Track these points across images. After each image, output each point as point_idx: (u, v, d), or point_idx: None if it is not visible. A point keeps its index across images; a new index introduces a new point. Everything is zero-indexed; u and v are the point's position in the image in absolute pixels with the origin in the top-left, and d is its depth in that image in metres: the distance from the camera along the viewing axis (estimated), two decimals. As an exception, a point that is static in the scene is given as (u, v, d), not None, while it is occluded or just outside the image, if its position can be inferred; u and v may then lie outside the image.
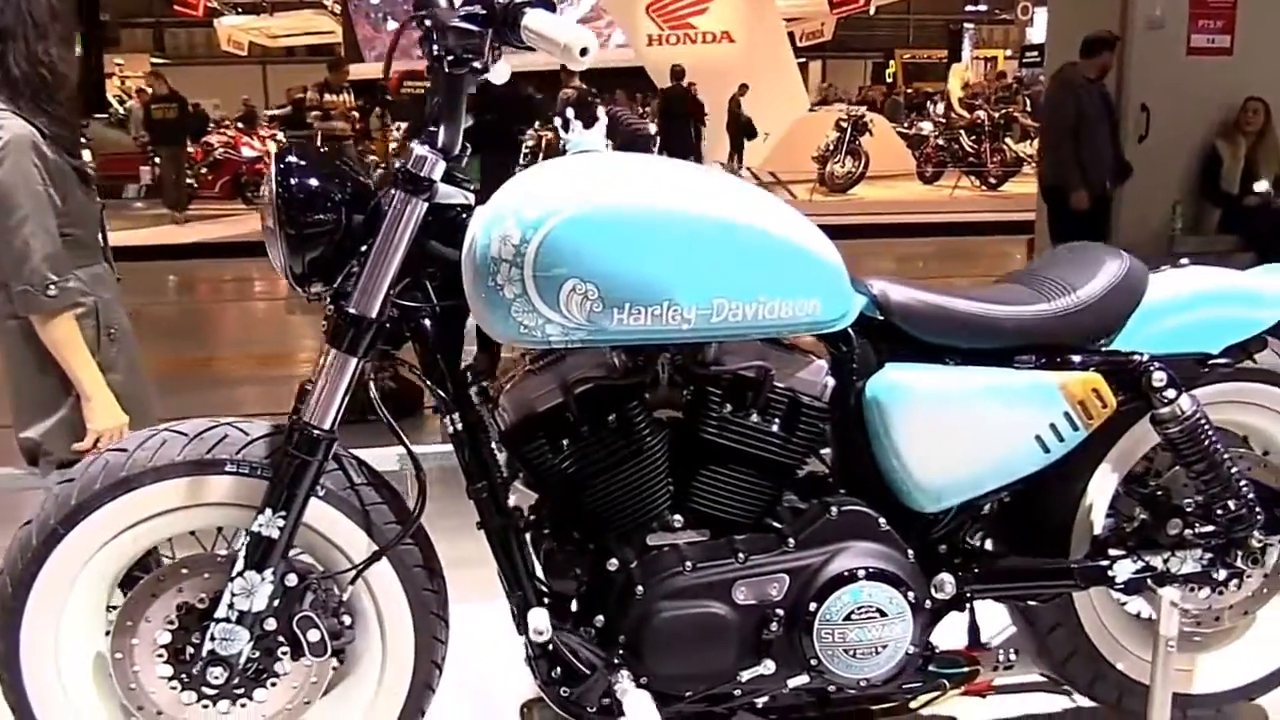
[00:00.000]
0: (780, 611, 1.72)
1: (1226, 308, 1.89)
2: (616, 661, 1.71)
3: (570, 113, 1.95)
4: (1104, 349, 1.83)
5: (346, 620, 1.74)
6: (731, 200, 1.68)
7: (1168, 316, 1.86)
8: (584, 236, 1.59)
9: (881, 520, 1.77)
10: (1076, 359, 1.80)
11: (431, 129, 1.64)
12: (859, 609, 1.71)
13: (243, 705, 1.74)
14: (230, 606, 1.65)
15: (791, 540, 1.75)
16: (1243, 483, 1.87)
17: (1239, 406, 1.95)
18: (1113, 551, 1.88)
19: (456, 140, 1.64)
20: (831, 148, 13.22)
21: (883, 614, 1.72)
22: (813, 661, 1.72)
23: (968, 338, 1.80)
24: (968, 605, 1.91)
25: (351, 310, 1.63)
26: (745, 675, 1.72)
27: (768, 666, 1.73)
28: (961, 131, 13.81)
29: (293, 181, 1.63)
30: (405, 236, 1.63)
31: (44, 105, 2.20)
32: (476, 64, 1.56)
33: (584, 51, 1.45)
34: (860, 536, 1.76)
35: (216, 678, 1.66)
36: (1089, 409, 1.78)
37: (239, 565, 1.65)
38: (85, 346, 2.22)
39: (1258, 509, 1.87)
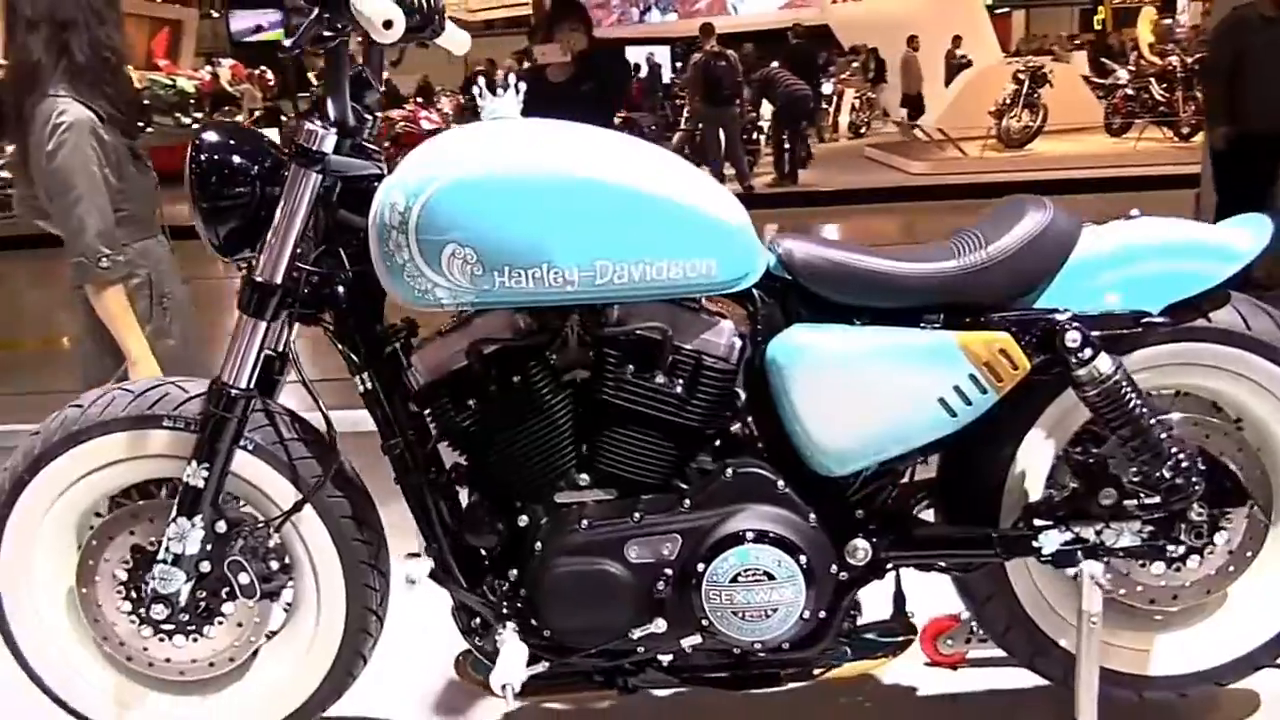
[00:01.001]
0: (669, 571, 1.74)
1: (1166, 261, 1.75)
2: (505, 613, 1.78)
3: (481, 81, 2.00)
4: (1024, 308, 1.74)
5: (274, 565, 1.88)
6: (617, 164, 1.70)
7: (1099, 273, 1.74)
8: (460, 202, 1.65)
9: (780, 483, 1.76)
10: (986, 319, 1.72)
11: (324, 104, 1.72)
12: (745, 571, 1.71)
13: (194, 640, 1.91)
14: (167, 550, 1.81)
15: (688, 501, 1.77)
16: (1179, 451, 1.74)
17: (1195, 369, 1.80)
18: (1039, 522, 1.79)
19: (345, 112, 1.72)
20: (1008, 101, 12.57)
21: (770, 577, 1.71)
22: (703, 622, 1.74)
23: (874, 297, 1.75)
24: (891, 573, 1.87)
25: (256, 278, 1.75)
26: (637, 633, 1.75)
27: (659, 625, 1.75)
28: (1151, 80, 12.84)
29: (204, 158, 1.76)
30: (301, 208, 1.73)
31: (103, 89, 2.43)
32: (342, 39, 1.63)
33: (388, 24, 1.51)
34: (756, 499, 1.75)
35: (159, 614, 1.83)
36: (996, 371, 1.70)
37: (173, 512, 1.81)
38: (133, 315, 2.45)
39: (1196, 480, 1.74)
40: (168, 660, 1.95)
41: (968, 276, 1.72)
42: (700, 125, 11.35)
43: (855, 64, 16.91)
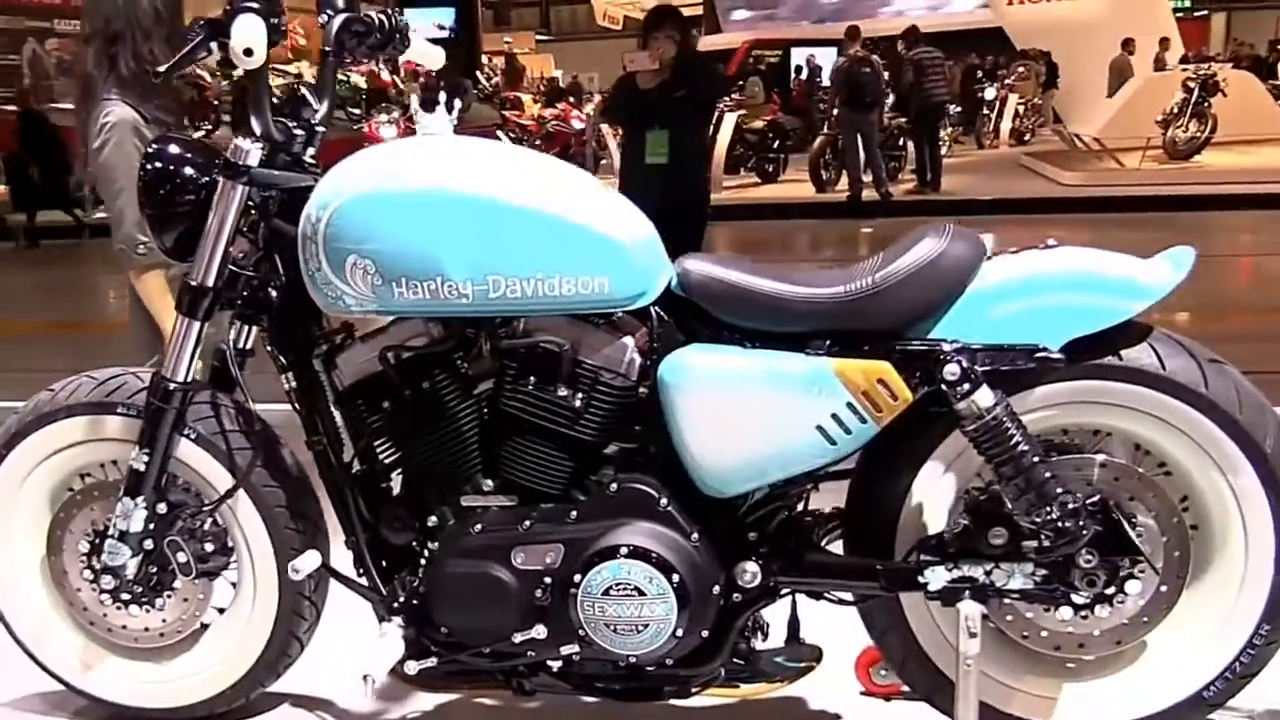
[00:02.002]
0: (550, 580, 1.79)
1: (1068, 295, 1.69)
2: (396, 607, 1.87)
3: (414, 99, 2.10)
4: (916, 338, 1.71)
5: (209, 547, 2.03)
6: (512, 182, 1.76)
7: (996, 304, 1.70)
8: (361, 215, 1.75)
9: (663, 500, 1.79)
10: (871, 347, 1.70)
11: (250, 121, 1.85)
12: (617, 585, 1.75)
13: (147, 611, 2.08)
14: (114, 526, 1.99)
15: (575, 513, 1.82)
16: (1065, 493, 1.68)
17: (1107, 409, 1.73)
18: (926, 557, 1.76)
19: (269, 127, 1.85)
20: (1175, 111, 11.92)
21: (641, 593, 1.74)
22: (580, 632, 1.78)
23: (765, 320, 1.76)
24: (785, 597, 1.87)
25: (190, 281, 1.90)
26: (519, 637, 1.81)
27: (540, 631, 1.81)
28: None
29: (152, 167, 1.92)
30: (229, 217, 1.87)
31: (148, 95, 2.66)
32: (246, 61, 1.75)
33: (248, 52, 1.63)
34: (638, 515, 1.79)
35: (108, 584, 2.01)
36: (875, 401, 1.68)
37: (120, 492, 1.98)
38: (170, 299, 2.66)
39: (1083, 525, 1.67)
40: (124, 628, 2.12)
41: (852, 303, 1.70)
42: (841, 130, 11.24)
43: (1021, 68, 16.30)
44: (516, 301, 1.75)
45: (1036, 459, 1.66)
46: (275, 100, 1.93)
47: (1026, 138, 16.46)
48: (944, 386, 1.66)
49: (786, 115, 14.97)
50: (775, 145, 13.10)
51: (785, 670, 1.91)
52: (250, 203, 1.90)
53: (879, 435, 1.79)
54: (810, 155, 11.81)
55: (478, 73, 22.64)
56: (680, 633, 1.76)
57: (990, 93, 16.12)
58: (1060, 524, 1.67)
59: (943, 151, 12.81)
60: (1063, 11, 15.83)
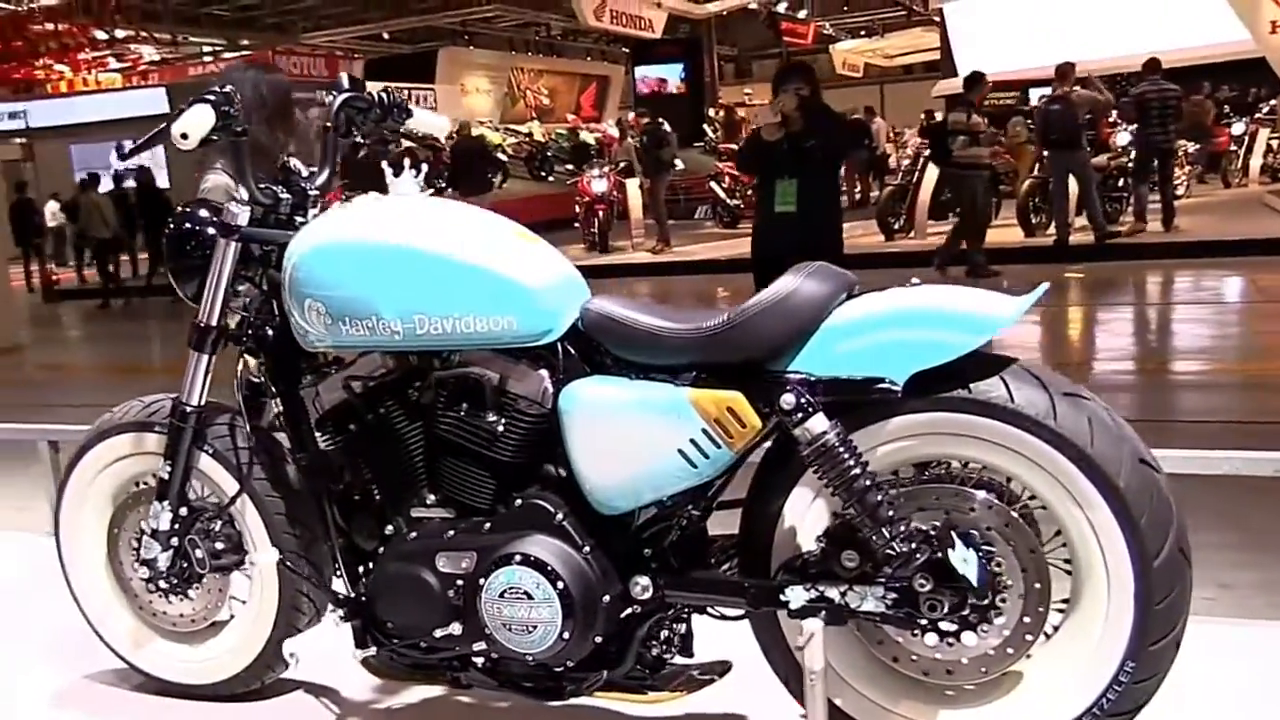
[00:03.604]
0: (461, 582, 2.05)
1: (910, 330, 1.79)
2: (342, 599, 2.19)
3: (385, 163, 2.42)
4: (776, 370, 1.86)
5: (220, 546, 2.42)
6: (435, 234, 2.06)
7: (847, 339, 1.82)
8: (314, 264, 2.11)
9: (559, 516, 2.01)
10: (727, 378, 1.87)
11: (238, 189, 2.24)
12: (510, 589, 1.98)
13: (181, 600, 2.50)
14: (148, 526, 2.41)
15: (488, 525, 2.07)
16: (901, 520, 1.77)
17: (960, 440, 1.81)
18: (786, 577, 1.89)
19: (254, 193, 2.23)
20: None
21: (530, 597, 1.97)
22: (485, 630, 2.03)
23: (644, 353, 1.96)
24: (679, 610, 2.04)
25: (197, 321, 2.31)
26: (439, 633, 2.08)
27: (456, 628, 2.06)
28: None
29: (172, 230, 2.35)
30: (224, 269, 2.27)
31: (243, 165, 3.16)
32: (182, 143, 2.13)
33: (184, 136, 2.01)
34: (537, 528, 2.02)
35: (144, 575, 2.44)
36: (726, 428, 1.85)
37: (152, 497, 2.41)
38: None
39: (916, 550, 1.76)
40: (165, 613, 2.55)
41: (712, 338, 1.88)
42: (1050, 172, 10.94)
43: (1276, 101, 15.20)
44: (440, 337, 2.04)
45: (868, 484, 1.78)
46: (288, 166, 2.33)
47: (1281, 175, 15.30)
48: (780, 415, 1.81)
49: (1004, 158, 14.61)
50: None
51: (690, 682, 2.07)
52: (254, 256, 2.29)
53: (764, 460, 1.96)
54: (1018, 199, 11.54)
55: (705, 126, 23.47)
56: (567, 636, 1.97)
57: (1239, 128, 15.09)
58: (892, 548, 1.77)
59: (1179, 192, 12.17)
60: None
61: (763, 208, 5.84)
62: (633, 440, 1.92)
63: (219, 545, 2.42)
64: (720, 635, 2.10)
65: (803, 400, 1.80)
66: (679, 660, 2.12)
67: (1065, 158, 10.42)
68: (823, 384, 1.82)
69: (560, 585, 1.96)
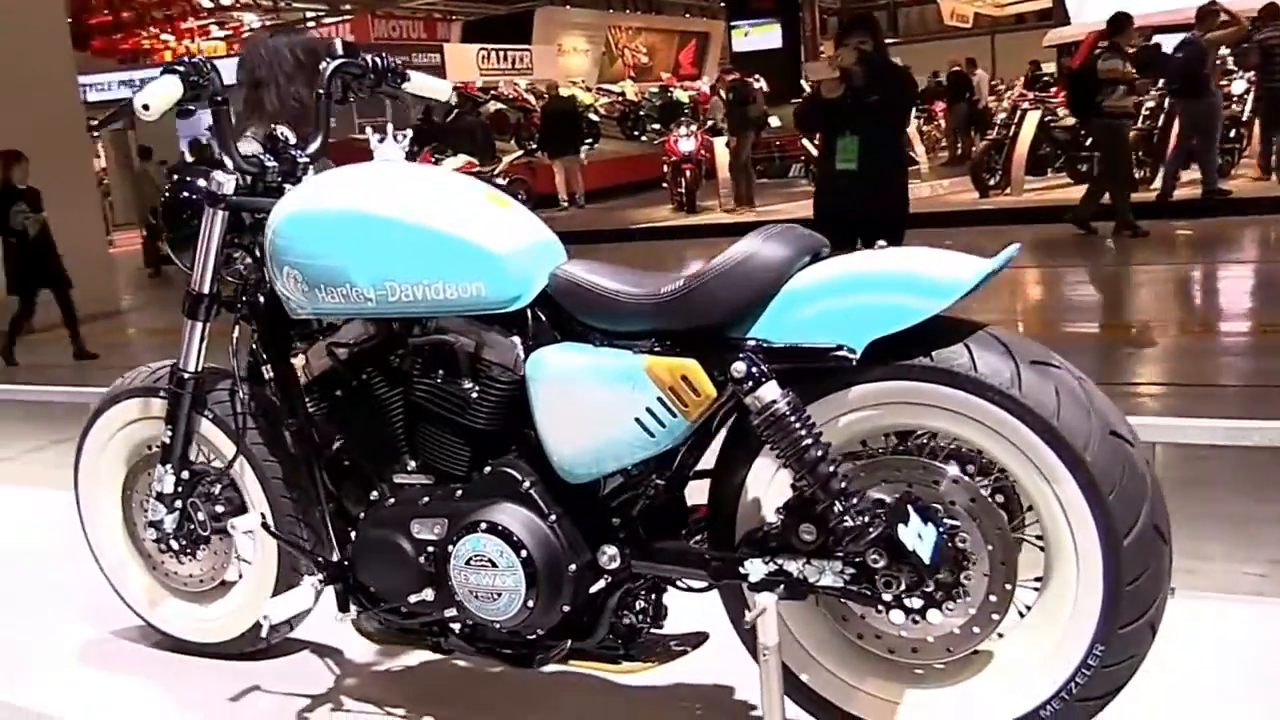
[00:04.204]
0: (433, 549, 2.07)
1: (870, 295, 1.72)
2: (321, 561, 2.23)
3: (370, 130, 2.43)
4: (735, 337, 1.82)
5: (220, 509, 2.49)
6: (409, 201, 2.06)
7: (805, 304, 1.76)
8: (291, 232, 2.13)
9: (526, 483, 2.01)
10: (685, 346, 1.84)
11: (222, 157, 2.28)
12: (475, 556, 1.99)
13: (189, 560, 2.59)
14: (153, 489, 2.49)
15: (459, 491, 2.09)
16: (855, 493, 1.72)
17: (923, 410, 1.74)
18: (746, 550, 1.86)
19: (236, 161, 2.26)
20: None
21: (494, 564, 1.98)
22: (455, 596, 2.04)
23: (606, 320, 1.93)
24: (650, 581, 2.03)
25: (190, 289, 2.36)
26: (414, 598, 2.10)
27: (429, 595, 2.09)
28: None
29: (168, 199, 2.40)
30: (212, 236, 2.31)
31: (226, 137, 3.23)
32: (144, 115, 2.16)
33: (145, 107, 2.03)
34: (504, 496, 2.02)
35: (151, 535, 2.53)
36: (681, 396, 1.81)
37: (156, 461, 2.49)
38: None
39: (869, 524, 1.71)
40: (175, 573, 2.64)
41: (668, 304, 1.84)
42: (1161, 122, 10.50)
43: None
44: (411, 304, 2.05)
45: (820, 454, 1.73)
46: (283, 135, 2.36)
47: None
48: (732, 383, 1.77)
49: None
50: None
51: (665, 652, 2.06)
52: (245, 224, 2.33)
53: (729, 430, 1.92)
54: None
55: (802, 81, 22.97)
56: (532, 604, 1.97)
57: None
58: (843, 521, 1.73)
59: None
60: None
61: (824, 165, 5.74)
62: (592, 408, 1.90)
63: (219, 508, 2.49)
64: (700, 607, 2.08)
65: (754, 368, 1.75)
66: (657, 631, 2.11)
67: (1192, 106, 9.93)
68: (777, 351, 1.77)
69: (524, 553, 1.96)
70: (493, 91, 19.94)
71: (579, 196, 16.94)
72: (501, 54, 27.04)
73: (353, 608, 2.24)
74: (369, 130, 2.36)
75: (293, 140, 2.37)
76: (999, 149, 12.42)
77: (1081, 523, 1.68)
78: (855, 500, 1.74)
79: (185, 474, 2.47)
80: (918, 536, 1.70)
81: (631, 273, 1.98)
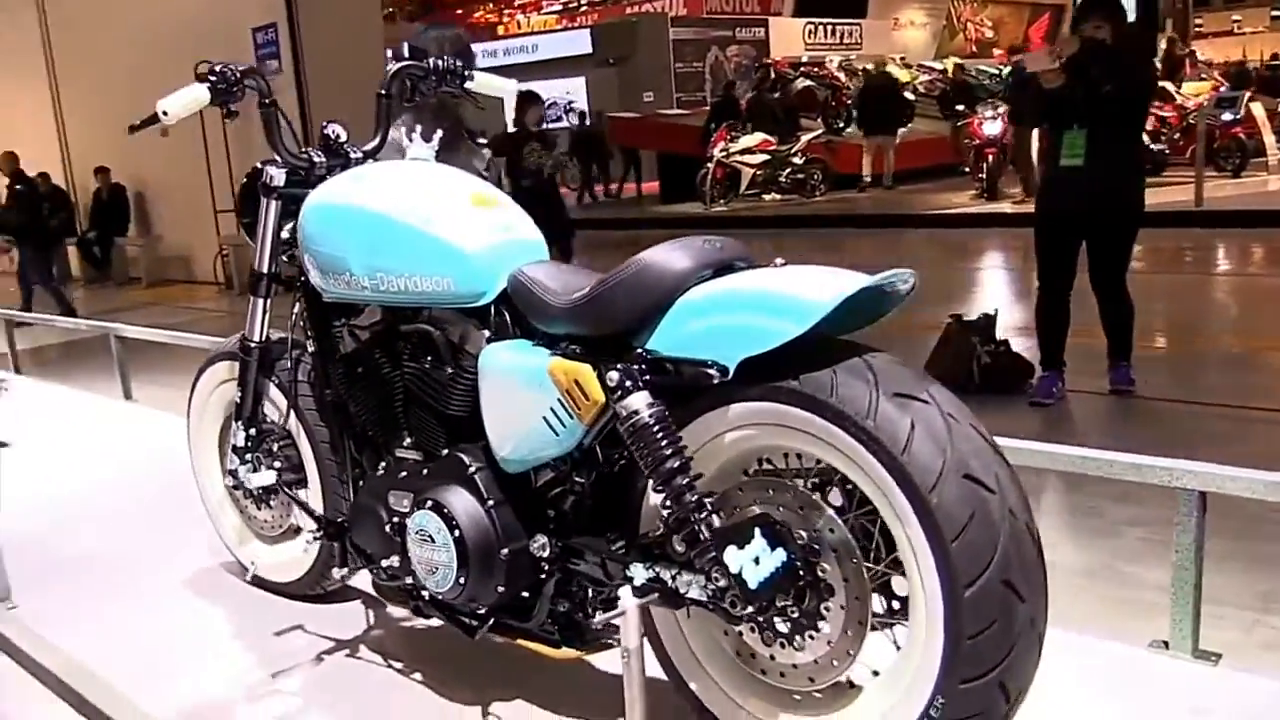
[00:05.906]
0: (398, 520, 2.30)
1: (741, 315, 1.73)
2: (319, 519, 2.52)
3: (402, 129, 2.61)
4: (637, 346, 1.89)
5: (278, 465, 2.84)
6: (397, 197, 2.29)
7: (693, 319, 1.80)
8: (310, 222, 2.43)
9: (472, 469, 2.18)
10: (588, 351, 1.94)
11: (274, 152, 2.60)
12: (420, 530, 2.20)
13: (265, 506, 2.98)
14: (231, 444, 2.89)
15: (425, 470, 2.30)
16: (711, 512, 1.76)
17: (790, 433, 1.75)
18: (632, 554, 1.93)
19: (287, 157, 2.57)
20: None
21: (432, 540, 2.17)
22: (411, 565, 2.26)
23: (544, 321, 2.07)
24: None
25: (253, 267, 2.71)
26: (384, 563, 2.35)
27: (395, 560, 2.32)
28: None
29: (242, 188, 2.76)
30: (269, 223, 2.65)
31: (428, 121, 3.59)
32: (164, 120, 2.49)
33: (164, 114, 2.34)
34: (453, 478, 2.21)
35: (229, 483, 2.93)
36: (575, 399, 1.92)
37: (233, 419, 2.88)
38: None
39: (711, 540, 1.74)
40: (255, 517, 3.04)
41: (574, 309, 1.95)
42: None
43: None
44: (398, 294, 2.28)
45: (676, 467, 1.78)
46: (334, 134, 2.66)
47: None
48: (606, 390, 1.86)
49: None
50: None
51: (602, 643, 2.17)
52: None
53: None
54: None
55: (1155, 60, 21.16)
56: (464, 581, 2.15)
57: None
58: (690, 534, 1.78)
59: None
60: None
61: (1050, 161, 5.44)
62: (513, 404, 2.05)
63: (277, 464, 2.84)
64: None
65: (626, 378, 1.83)
66: (604, 617, 2.22)
67: None
68: (655, 362, 1.84)
69: (457, 533, 2.14)
70: (802, 68, 19.91)
71: (886, 178, 16.66)
72: (830, 29, 26.86)
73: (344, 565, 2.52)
74: (401, 132, 2.61)
75: (344, 137, 2.65)
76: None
77: (926, 567, 1.64)
78: (709, 516, 1.79)
79: (254, 431, 2.84)
80: (753, 561, 1.72)
81: (583, 275, 2.09)
